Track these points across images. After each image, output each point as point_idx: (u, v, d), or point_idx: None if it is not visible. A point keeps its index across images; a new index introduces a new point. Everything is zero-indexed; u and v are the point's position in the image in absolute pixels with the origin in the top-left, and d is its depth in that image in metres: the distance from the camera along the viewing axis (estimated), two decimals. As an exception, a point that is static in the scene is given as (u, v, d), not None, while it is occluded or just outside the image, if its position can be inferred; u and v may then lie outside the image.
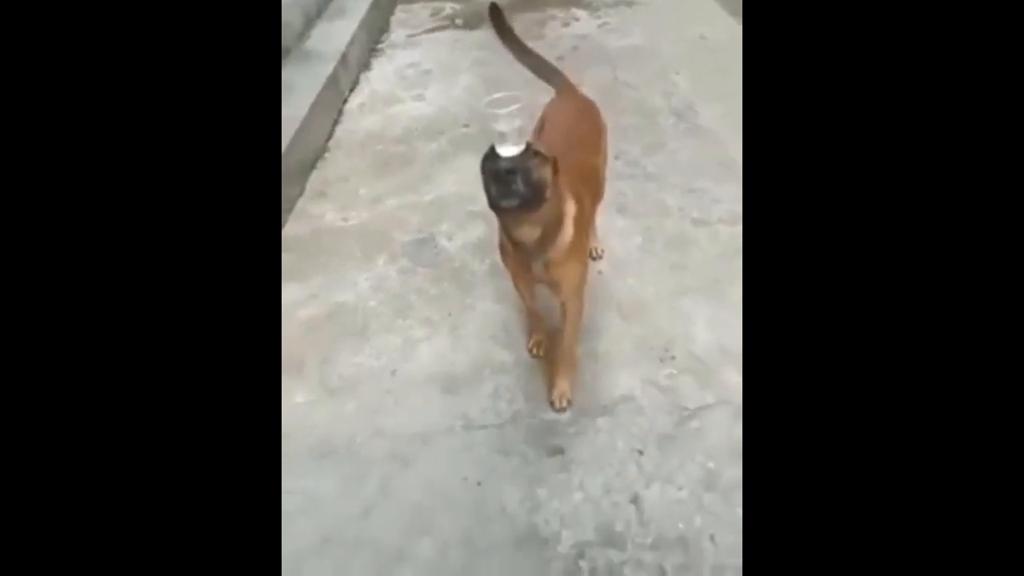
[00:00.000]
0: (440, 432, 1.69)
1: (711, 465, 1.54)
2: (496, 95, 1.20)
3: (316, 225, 2.52)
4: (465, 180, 2.65)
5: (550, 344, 1.85)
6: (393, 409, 1.78)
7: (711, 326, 1.89)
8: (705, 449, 1.58)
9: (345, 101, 3.41)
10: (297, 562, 1.43)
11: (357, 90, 3.53)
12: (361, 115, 3.29)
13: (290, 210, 2.60)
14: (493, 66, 3.47)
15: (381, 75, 3.67)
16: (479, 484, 1.55)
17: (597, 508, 1.48)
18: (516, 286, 1.70)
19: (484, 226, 2.36)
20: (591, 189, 1.68)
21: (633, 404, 1.70)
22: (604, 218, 2.20)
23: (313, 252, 2.37)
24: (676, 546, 1.40)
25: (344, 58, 3.44)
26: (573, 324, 1.66)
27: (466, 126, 3.05)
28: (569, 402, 1.71)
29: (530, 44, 2.00)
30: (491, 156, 1.25)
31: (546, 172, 1.29)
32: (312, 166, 2.88)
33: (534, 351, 1.87)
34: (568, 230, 1.43)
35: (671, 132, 2.81)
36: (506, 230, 1.42)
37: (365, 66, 3.76)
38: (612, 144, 2.72)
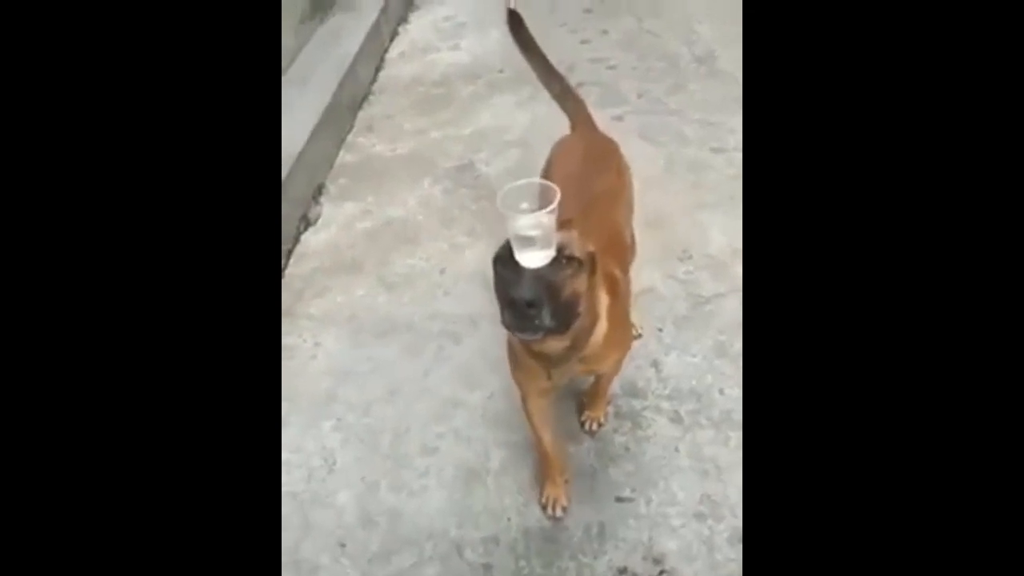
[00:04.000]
0: (485, 316, 1.94)
1: (722, 338, 1.78)
2: (518, 182, 0.94)
3: (367, 154, 2.77)
4: (501, 115, 2.89)
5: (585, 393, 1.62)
6: (444, 299, 2.03)
7: (725, 232, 2.11)
8: (717, 326, 1.81)
9: (386, 51, 3.64)
10: (370, 407, 1.71)
11: (397, 41, 3.75)
12: (402, 62, 3.52)
13: (342, 142, 2.85)
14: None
15: (419, 27, 3.89)
16: (520, 352, 1.81)
17: (622, 372, 1.72)
18: (525, 406, 1.36)
19: (519, 152, 2.60)
20: (620, 256, 1.37)
21: (654, 293, 1.94)
22: (630, 146, 2.42)
23: (365, 177, 2.63)
24: (689, 397, 1.65)
25: (385, 10, 3.66)
26: (610, 378, 1.50)
27: (500, 71, 3.27)
28: (600, 425, 1.59)
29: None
30: (507, 263, 0.96)
31: (580, 283, 1.01)
32: (359, 106, 3.12)
33: (549, 510, 1.43)
34: (602, 327, 1.15)
35: (692, 75, 3.01)
36: (525, 344, 1.12)
37: (403, 19, 3.98)
38: (636, 85, 2.95)
